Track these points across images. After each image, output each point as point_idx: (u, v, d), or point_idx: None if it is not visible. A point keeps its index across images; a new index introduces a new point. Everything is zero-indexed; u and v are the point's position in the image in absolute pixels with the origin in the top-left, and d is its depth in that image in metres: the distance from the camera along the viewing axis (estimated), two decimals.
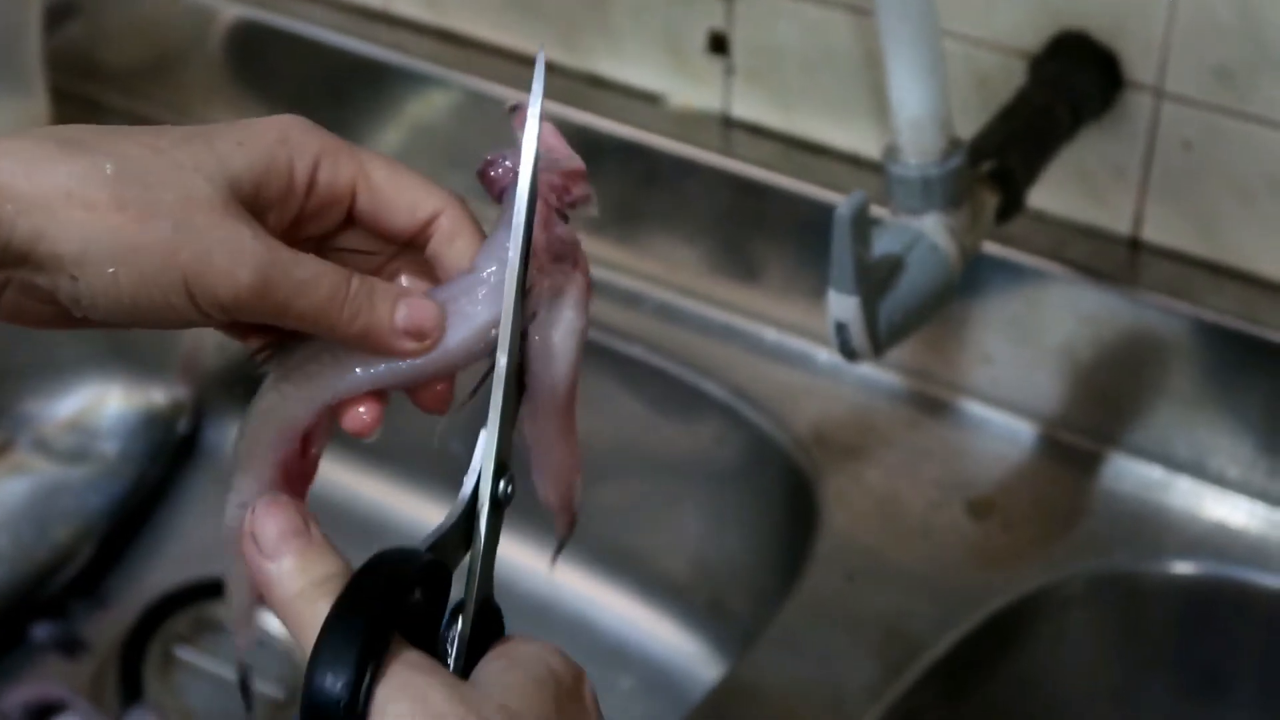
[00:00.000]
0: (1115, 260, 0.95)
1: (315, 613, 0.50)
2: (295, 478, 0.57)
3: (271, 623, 1.08)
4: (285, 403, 0.56)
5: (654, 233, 1.07)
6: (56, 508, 1.10)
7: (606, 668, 1.05)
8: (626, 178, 1.06)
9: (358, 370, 0.55)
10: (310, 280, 0.54)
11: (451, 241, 0.57)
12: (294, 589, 0.51)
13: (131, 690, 1.04)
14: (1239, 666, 0.92)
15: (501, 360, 0.53)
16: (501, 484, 0.53)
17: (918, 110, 0.81)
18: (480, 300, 0.54)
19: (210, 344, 1.20)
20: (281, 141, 0.55)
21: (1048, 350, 0.96)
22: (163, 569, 1.12)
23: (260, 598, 0.54)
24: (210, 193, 0.53)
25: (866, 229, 0.78)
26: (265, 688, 1.04)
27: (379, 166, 0.56)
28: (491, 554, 0.53)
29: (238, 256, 0.53)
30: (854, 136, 1.02)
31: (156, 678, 1.04)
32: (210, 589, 1.09)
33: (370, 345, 0.55)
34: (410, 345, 0.55)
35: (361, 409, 0.55)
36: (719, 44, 1.03)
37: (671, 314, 1.06)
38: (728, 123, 1.06)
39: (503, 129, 1.09)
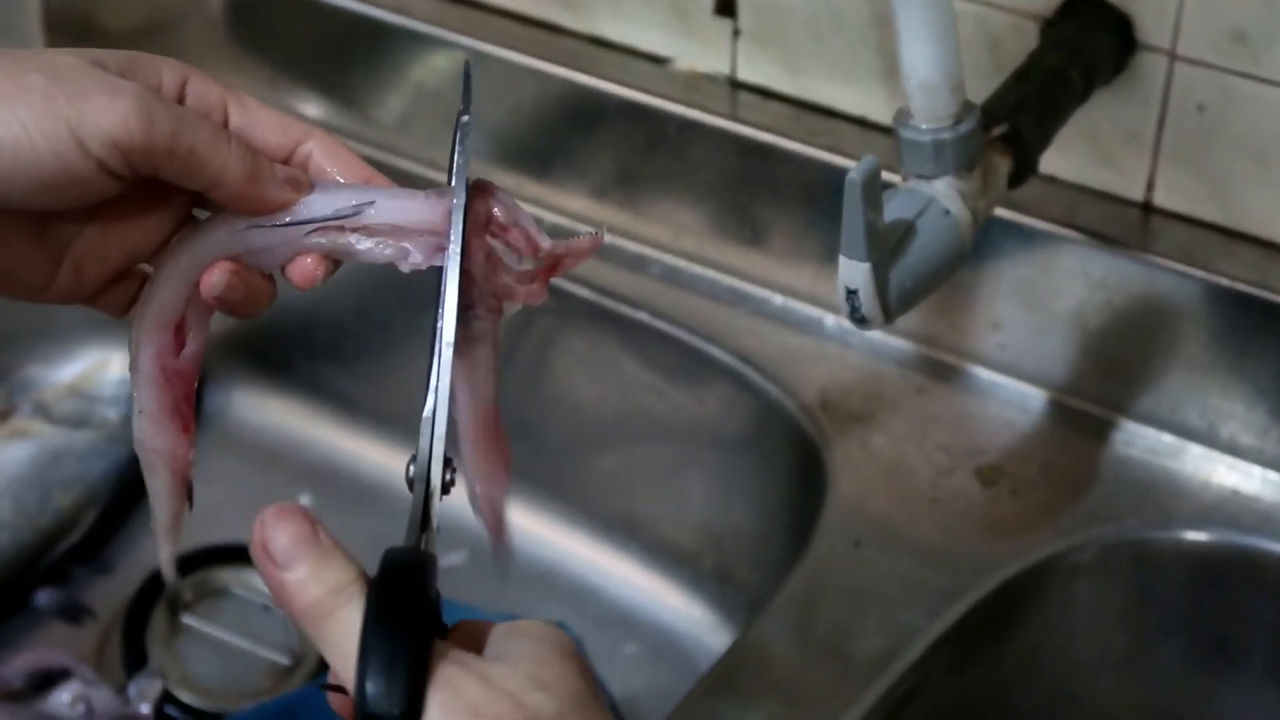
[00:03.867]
0: (1127, 225, 0.94)
1: (337, 621, 0.51)
2: (173, 374, 0.59)
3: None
4: (152, 289, 0.58)
5: (660, 197, 1.06)
6: (59, 474, 1.09)
7: (613, 634, 1.05)
8: (631, 141, 1.05)
9: (218, 234, 0.58)
10: (190, 120, 0.56)
11: (334, 159, 0.60)
12: (310, 598, 0.52)
13: (135, 657, 1.03)
14: (1249, 635, 0.92)
15: (443, 357, 0.57)
16: (446, 474, 0.56)
17: (929, 73, 0.80)
18: (332, 194, 0.58)
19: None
20: (141, 55, 0.58)
21: (1058, 316, 0.95)
22: None
23: (181, 513, 0.60)
24: (76, 61, 0.56)
25: (877, 194, 0.77)
26: (271, 654, 1.04)
27: (247, 97, 0.60)
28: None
29: (117, 93, 0.54)
30: (862, 99, 1.01)
31: (160, 644, 1.04)
32: (214, 555, 1.08)
33: (255, 188, 0.57)
34: (287, 194, 0.57)
35: (215, 273, 0.57)
36: (726, 6, 1.02)
37: (677, 279, 1.06)
38: (735, 85, 1.04)
39: (505, 92, 1.08)
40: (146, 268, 0.61)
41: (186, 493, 0.61)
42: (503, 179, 1.10)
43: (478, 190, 0.60)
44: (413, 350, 1.11)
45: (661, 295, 1.05)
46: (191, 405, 0.60)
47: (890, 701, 0.83)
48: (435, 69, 1.11)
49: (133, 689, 1.01)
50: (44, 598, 1.06)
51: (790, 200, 1.02)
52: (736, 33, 1.03)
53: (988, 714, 0.92)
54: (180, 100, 0.58)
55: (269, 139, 0.59)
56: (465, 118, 0.60)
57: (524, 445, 1.14)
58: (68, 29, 1.20)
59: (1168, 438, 0.94)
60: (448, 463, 0.56)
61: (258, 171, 0.57)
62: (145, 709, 1.00)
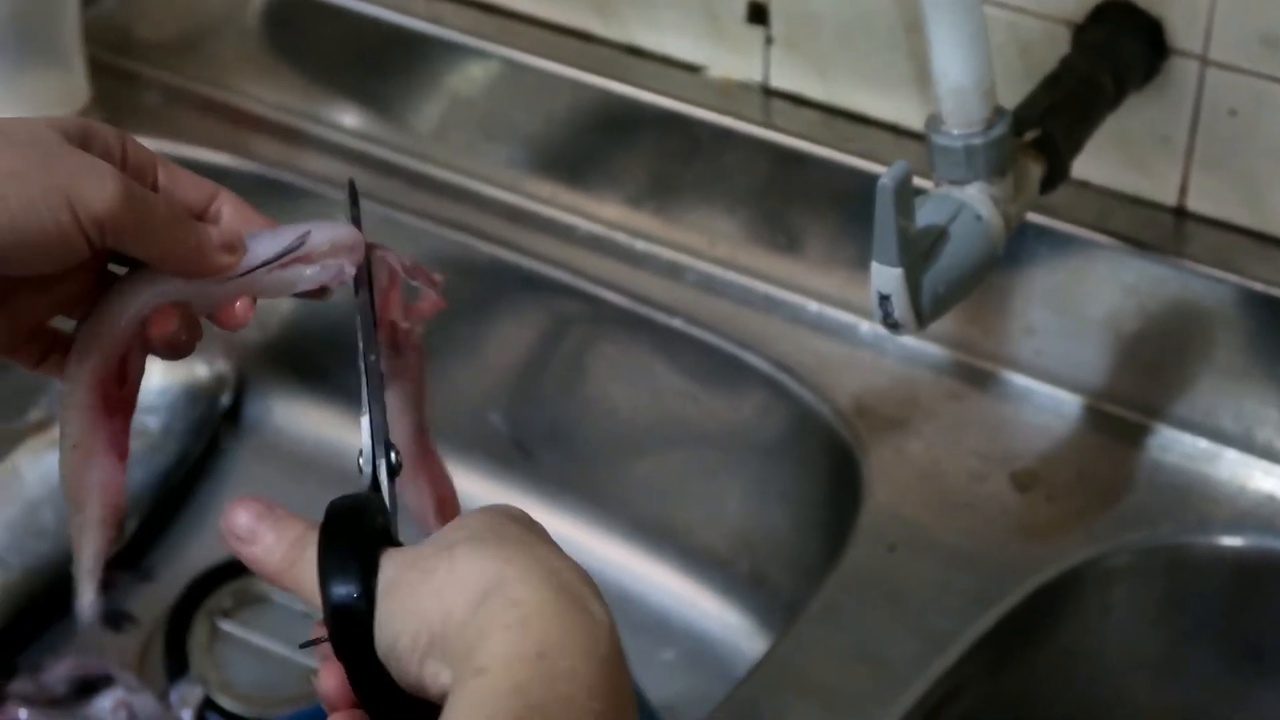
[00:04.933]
0: (1160, 230, 0.94)
1: (303, 564, 0.58)
2: (116, 409, 0.64)
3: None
4: (97, 326, 0.63)
5: (694, 204, 1.06)
6: None
7: (649, 640, 1.05)
8: (665, 149, 1.06)
9: (158, 287, 0.63)
10: (154, 200, 0.62)
11: (241, 212, 0.66)
12: (279, 554, 0.59)
13: (177, 663, 1.04)
14: None
15: (364, 363, 0.64)
16: (392, 456, 0.62)
17: (961, 78, 0.80)
18: (264, 240, 0.64)
19: (251, 318, 1.20)
20: (88, 122, 0.63)
21: (1092, 321, 0.95)
22: (206, 543, 1.12)
23: (107, 548, 0.64)
24: (55, 135, 0.61)
25: (909, 199, 0.77)
26: (310, 661, 1.04)
27: (167, 159, 0.66)
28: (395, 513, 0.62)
29: (101, 175, 0.60)
30: (894, 105, 1.01)
31: (201, 651, 1.05)
32: None
33: (197, 259, 0.63)
34: (227, 259, 0.63)
35: (169, 321, 0.63)
36: (758, 13, 1.03)
37: (712, 285, 1.06)
38: (767, 93, 1.05)
39: (539, 101, 1.09)
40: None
41: (118, 524, 0.64)
42: (537, 188, 1.11)
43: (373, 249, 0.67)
44: (448, 361, 1.11)
45: (696, 302, 1.05)
46: (127, 440, 0.64)
47: (926, 706, 0.84)
48: (470, 78, 1.12)
49: (174, 695, 1.02)
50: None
51: (823, 206, 1.02)
52: (769, 40, 1.03)
53: (1022, 718, 0.92)
54: (123, 163, 0.63)
55: (190, 196, 0.65)
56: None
57: (558, 451, 1.15)
58: (106, 41, 1.21)
59: (1203, 443, 0.94)
60: (386, 447, 0.62)
61: (202, 245, 0.63)
62: (187, 715, 1.01)
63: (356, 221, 0.67)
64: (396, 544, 0.59)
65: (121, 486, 0.64)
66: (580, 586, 0.55)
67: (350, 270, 0.65)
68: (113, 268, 0.64)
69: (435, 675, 0.55)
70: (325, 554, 0.57)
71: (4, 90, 1.14)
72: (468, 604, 0.54)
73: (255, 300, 0.65)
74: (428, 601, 0.55)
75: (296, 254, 0.64)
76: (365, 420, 0.63)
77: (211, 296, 0.64)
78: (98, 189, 0.60)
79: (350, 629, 0.56)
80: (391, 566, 0.57)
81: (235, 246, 0.64)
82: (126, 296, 0.63)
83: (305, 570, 0.58)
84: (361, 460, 0.62)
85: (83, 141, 0.62)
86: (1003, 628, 0.87)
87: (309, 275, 0.64)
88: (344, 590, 0.56)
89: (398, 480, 0.62)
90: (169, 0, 1.22)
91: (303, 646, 0.59)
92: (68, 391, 0.63)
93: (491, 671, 0.53)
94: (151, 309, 0.63)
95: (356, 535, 0.57)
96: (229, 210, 0.66)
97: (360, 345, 0.64)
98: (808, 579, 0.97)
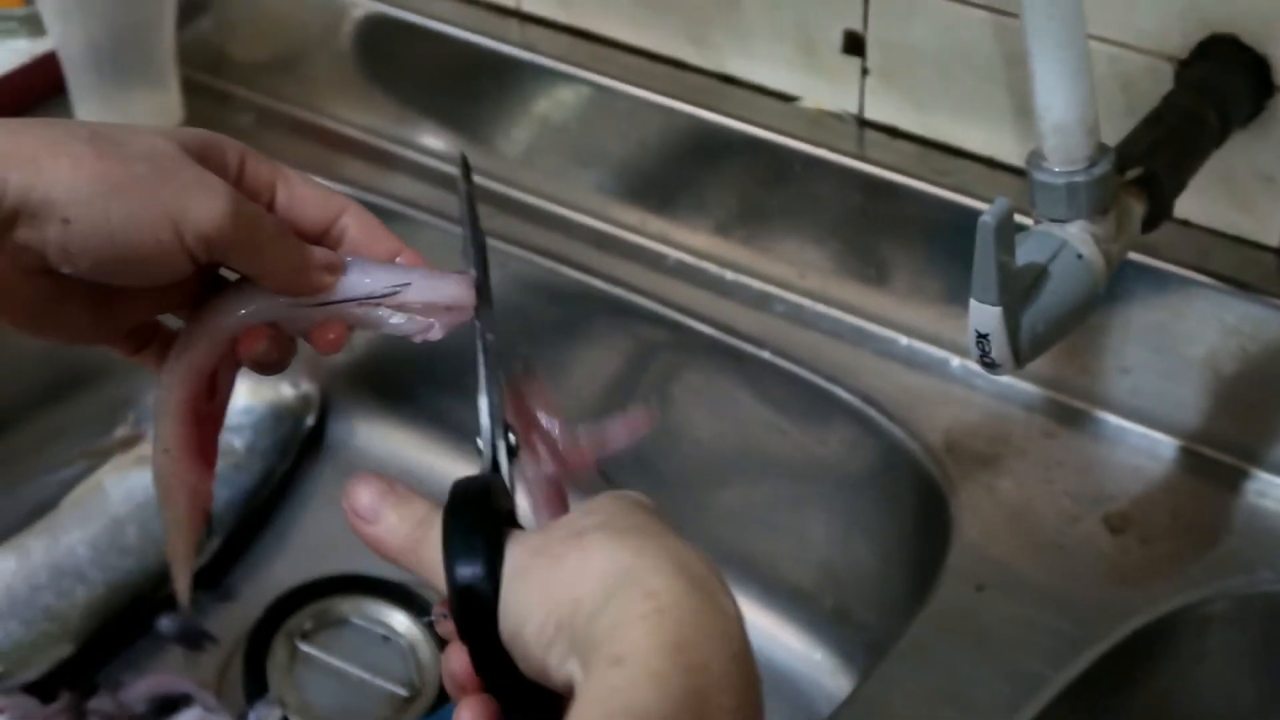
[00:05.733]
0: (1263, 270, 0.93)
1: (427, 544, 0.58)
2: (205, 420, 0.65)
3: (393, 620, 1.08)
4: (191, 340, 0.64)
5: (784, 234, 1.05)
6: None
7: None
8: (756, 178, 1.05)
9: (264, 302, 0.64)
10: (263, 217, 0.62)
11: (368, 232, 0.65)
12: (402, 534, 0.59)
13: (256, 684, 1.04)
14: None
15: (481, 340, 0.64)
16: (510, 437, 0.62)
17: (1063, 115, 0.79)
18: (368, 272, 0.64)
19: None
20: (211, 135, 0.64)
21: (1190, 362, 0.94)
22: (287, 563, 1.12)
23: (198, 543, 0.65)
24: (173, 148, 0.61)
25: (1010, 237, 0.76)
26: (389, 685, 1.04)
27: (292, 172, 0.65)
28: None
29: (213, 191, 0.60)
30: (990, 138, 1.00)
31: (280, 673, 1.05)
32: (335, 584, 1.09)
33: (297, 278, 0.63)
34: (326, 279, 0.63)
35: (260, 341, 0.64)
36: (855, 44, 1.02)
37: (801, 317, 1.05)
38: (862, 124, 1.04)
39: (630, 128, 1.09)
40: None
41: (206, 523, 0.66)
42: (626, 215, 1.11)
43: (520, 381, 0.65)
44: None
45: (785, 333, 1.04)
46: (216, 446, 0.66)
47: None
48: (561, 103, 1.12)
49: (253, 716, 1.02)
50: (167, 623, 1.08)
51: (915, 239, 1.01)
52: (865, 71, 1.02)
53: None
54: (240, 178, 0.64)
55: (310, 215, 0.65)
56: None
57: (641, 479, 1.14)
58: (200, 62, 1.22)
59: None
60: (507, 429, 0.62)
61: (304, 264, 0.63)
62: None
63: (469, 198, 0.66)
64: (518, 526, 0.59)
65: (209, 490, 0.66)
66: (712, 580, 0.55)
67: (438, 334, 0.65)
68: (223, 272, 0.65)
69: (561, 663, 0.54)
70: (450, 534, 0.57)
71: (100, 109, 1.15)
72: (600, 593, 0.54)
73: (350, 328, 0.65)
74: (557, 589, 0.55)
75: (386, 300, 0.64)
76: (483, 401, 0.62)
77: (305, 319, 0.64)
78: (206, 206, 0.60)
79: (475, 611, 0.56)
80: (518, 550, 0.56)
81: (336, 267, 0.64)
82: (220, 314, 0.64)
83: (429, 551, 0.57)
84: (481, 442, 0.62)
85: (201, 155, 0.62)
86: (1094, 673, 0.86)
87: (394, 323, 0.65)
88: (469, 571, 0.56)
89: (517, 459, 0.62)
90: (263, 22, 1.23)
91: (426, 622, 0.59)
92: (161, 399, 0.64)
93: (629, 662, 0.52)
94: (244, 327, 0.64)
95: (482, 516, 0.57)
96: (355, 227, 0.65)
97: (477, 325, 0.64)
98: (893, 617, 0.96)
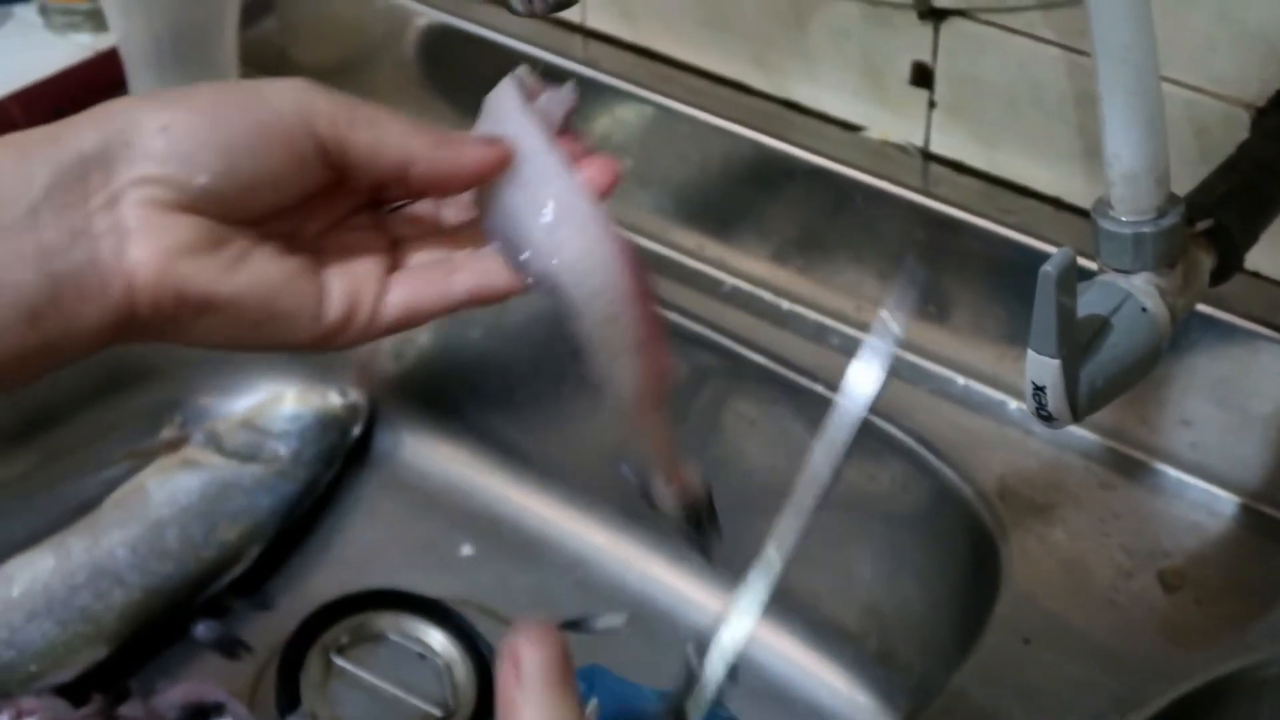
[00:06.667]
0: None
1: None
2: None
3: (430, 637, 1.07)
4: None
5: (843, 266, 1.04)
6: (226, 506, 1.10)
7: (771, 711, 1.02)
8: (817, 207, 1.03)
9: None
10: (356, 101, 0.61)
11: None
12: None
13: (289, 696, 1.03)
14: None
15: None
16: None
17: (1133, 163, 0.77)
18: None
19: (386, 350, 1.19)
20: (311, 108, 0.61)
21: (1255, 417, 0.91)
22: (327, 575, 1.11)
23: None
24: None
25: (1072, 287, 0.74)
26: (423, 703, 1.03)
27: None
28: None
29: (280, 80, 0.59)
30: (1058, 179, 0.98)
31: (314, 686, 1.04)
32: (373, 599, 1.08)
33: (446, 149, 0.62)
34: (482, 149, 0.63)
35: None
36: (923, 76, 1.00)
37: (856, 351, 1.03)
38: (927, 157, 1.02)
39: (690, 150, 1.07)
40: None
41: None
42: (684, 238, 1.09)
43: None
44: (582, 405, 1.10)
45: (839, 366, 1.02)
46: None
47: None
48: (623, 122, 1.10)
49: None
50: (203, 630, 1.07)
51: (977, 278, 0.99)
52: (932, 104, 1.00)
53: None
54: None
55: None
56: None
57: None
58: (262, 64, 1.21)
59: None
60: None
61: (443, 135, 0.61)
62: None
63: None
64: None
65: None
66: None
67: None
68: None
69: None
70: None
71: None
72: None
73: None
74: None
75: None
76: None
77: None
78: (283, 86, 0.59)
79: None
80: None
81: (492, 140, 0.64)
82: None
83: None
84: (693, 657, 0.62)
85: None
86: None
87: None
88: None
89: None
90: (327, 26, 1.22)
91: None
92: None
93: None
94: None
95: None
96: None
97: None
98: (938, 661, 0.94)
